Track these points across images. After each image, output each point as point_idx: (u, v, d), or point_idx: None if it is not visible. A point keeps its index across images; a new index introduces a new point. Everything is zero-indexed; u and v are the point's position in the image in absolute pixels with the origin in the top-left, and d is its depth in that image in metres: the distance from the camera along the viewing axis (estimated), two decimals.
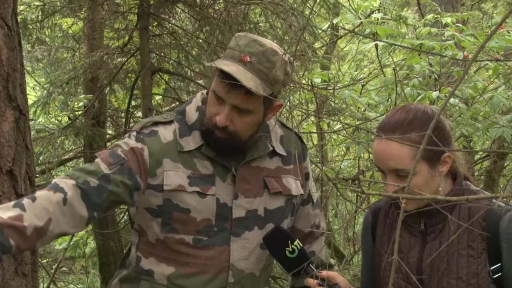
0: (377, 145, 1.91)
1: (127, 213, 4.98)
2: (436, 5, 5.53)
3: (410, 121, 1.90)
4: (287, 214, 2.24)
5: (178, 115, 2.19)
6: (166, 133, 2.14)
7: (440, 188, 1.92)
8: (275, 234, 2.11)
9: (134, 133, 2.14)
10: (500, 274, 1.88)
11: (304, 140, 2.42)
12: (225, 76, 2.02)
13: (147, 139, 2.12)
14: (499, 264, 1.87)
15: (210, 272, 2.13)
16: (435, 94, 3.96)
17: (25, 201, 1.89)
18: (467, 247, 1.90)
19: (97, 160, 2.06)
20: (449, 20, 4.58)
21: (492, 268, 1.88)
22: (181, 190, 2.10)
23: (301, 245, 2.07)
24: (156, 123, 2.16)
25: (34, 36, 5.94)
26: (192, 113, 2.18)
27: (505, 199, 1.75)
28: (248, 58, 2.04)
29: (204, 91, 2.26)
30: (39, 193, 1.93)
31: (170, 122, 2.17)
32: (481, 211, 1.85)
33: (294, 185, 2.25)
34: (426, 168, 1.88)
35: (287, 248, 2.05)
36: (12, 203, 1.90)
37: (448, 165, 1.91)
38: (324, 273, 2.00)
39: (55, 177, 5.67)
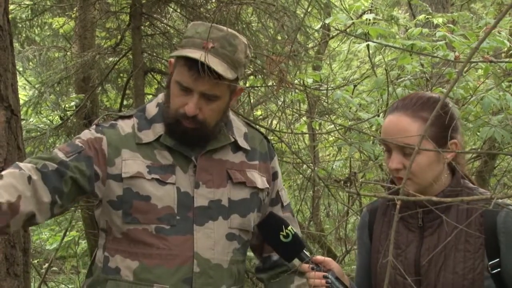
0: (388, 120, 1.95)
1: None
2: (427, 5, 5.54)
3: (424, 102, 1.93)
4: (253, 208, 2.23)
5: (138, 112, 2.23)
6: (124, 126, 2.18)
7: (442, 178, 1.93)
8: (269, 219, 2.13)
9: (94, 126, 2.19)
10: (499, 269, 1.89)
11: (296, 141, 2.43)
12: (192, 64, 2.02)
13: (105, 130, 2.16)
14: (498, 259, 1.89)
15: (174, 262, 2.10)
16: None
17: None
18: (464, 242, 1.91)
19: (54, 150, 2.10)
20: (440, 20, 4.59)
21: (490, 263, 1.89)
22: (139, 177, 2.11)
23: (295, 230, 2.08)
24: (116, 118, 2.22)
25: (24, 35, 5.90)
26: (152, 109, 2.21)
27: (499, 200, 1.75)
28: (211, 44, 2.05)
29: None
30: (3, 172, 1.96)
31: (129, 117, 2.21)
32: (479, 207, 1.86)
33: (259, 180, 2.24)
34: (433, 148, 1.88)
35: (281, 233, 2.06)
36: None
37: (453, 153, 1.93)
38: (319, 258, 2.01)
39: None
